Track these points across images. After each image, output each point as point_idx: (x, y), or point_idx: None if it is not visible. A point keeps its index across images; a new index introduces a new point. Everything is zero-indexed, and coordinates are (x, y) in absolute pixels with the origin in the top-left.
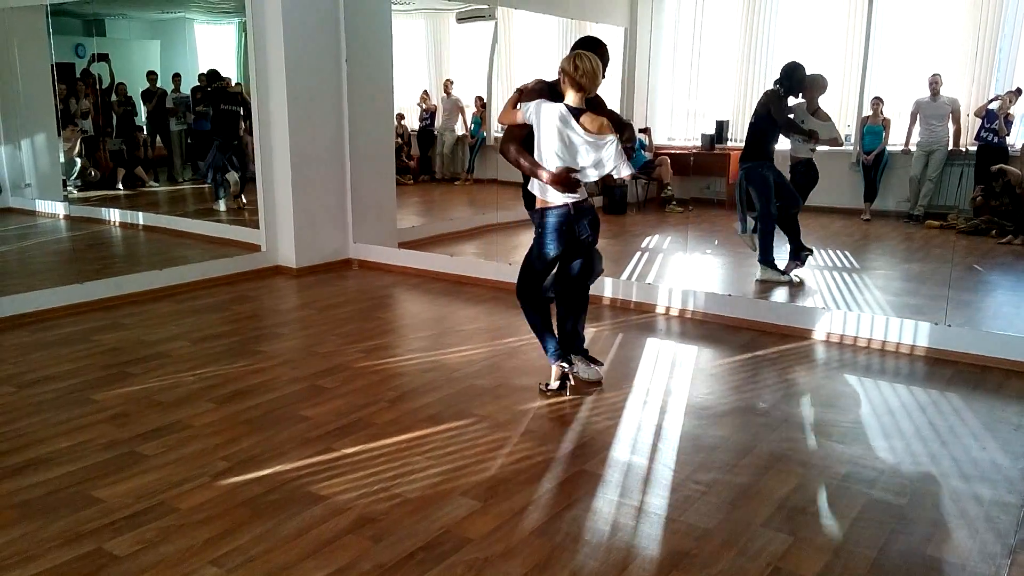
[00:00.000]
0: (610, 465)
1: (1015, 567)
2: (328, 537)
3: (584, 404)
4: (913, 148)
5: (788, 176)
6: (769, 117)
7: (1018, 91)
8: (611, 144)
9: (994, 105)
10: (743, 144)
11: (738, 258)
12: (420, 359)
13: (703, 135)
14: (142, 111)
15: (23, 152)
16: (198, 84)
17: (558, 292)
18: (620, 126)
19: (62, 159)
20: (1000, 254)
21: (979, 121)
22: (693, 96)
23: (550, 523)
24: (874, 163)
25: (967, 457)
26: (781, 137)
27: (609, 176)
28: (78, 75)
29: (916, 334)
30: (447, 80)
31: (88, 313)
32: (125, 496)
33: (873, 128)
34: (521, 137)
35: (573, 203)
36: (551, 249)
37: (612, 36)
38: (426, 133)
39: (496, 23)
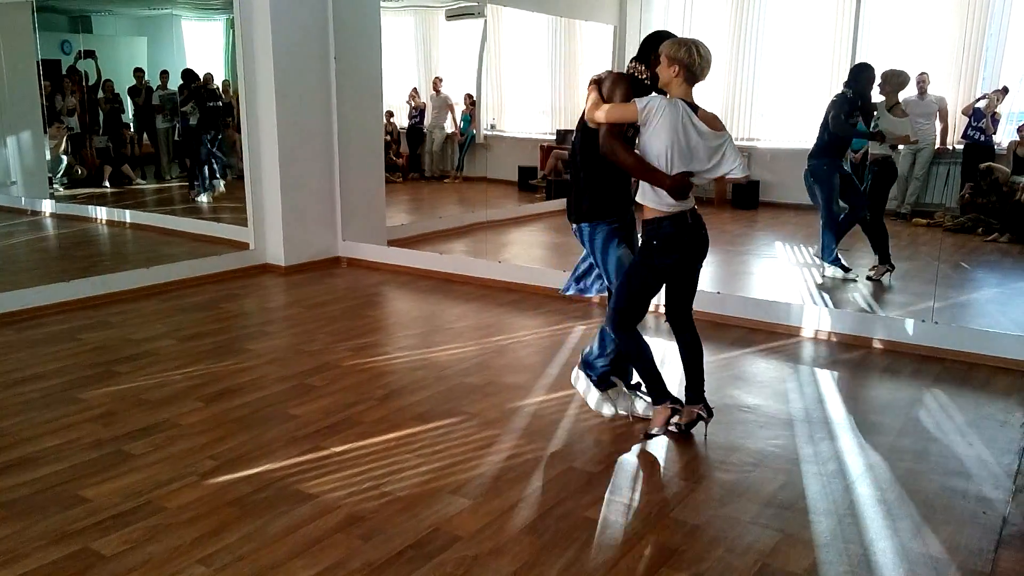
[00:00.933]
0: (599, 462)
1: (1001, 562)
2: (317, 536)
3: (573, 402)
4: (900, 146)
5: (866, 174)
6: (834, 120)
7: (1005, 89)
8: (728, 141)
9: (981, 103)
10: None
11: (726, 256)
12: (409, 357)
13: None
14: (129, 108)
15: (8, 149)
16: (183, 83)
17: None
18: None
19: (48, 156)
20: (986, 251)
21: (966, 119)
22: None
23: (539, 520)
24: (862, 161)
25: (953, 453)
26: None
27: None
28: (64, 72)
29: (903, 331)
30: (436, 78)
31: (74, 311)
32: (112, 495)
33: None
34: (623, 136)
35: (689, 211)
36: (667, 261)
37: (601, 34)
38: (415, 131)
39: (485, 21)
